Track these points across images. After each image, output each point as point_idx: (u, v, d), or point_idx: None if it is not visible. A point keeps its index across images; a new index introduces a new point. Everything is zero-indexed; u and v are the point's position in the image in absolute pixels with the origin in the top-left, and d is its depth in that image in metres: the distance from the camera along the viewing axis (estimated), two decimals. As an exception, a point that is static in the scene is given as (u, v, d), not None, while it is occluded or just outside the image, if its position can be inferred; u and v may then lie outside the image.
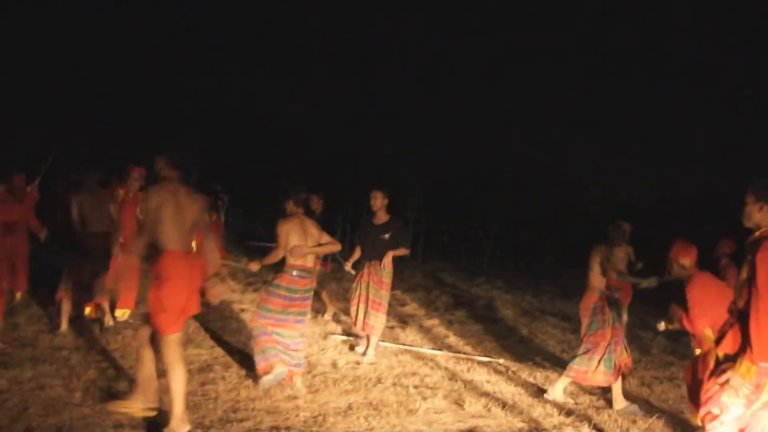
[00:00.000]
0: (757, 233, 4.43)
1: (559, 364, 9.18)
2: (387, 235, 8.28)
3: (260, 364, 6.81)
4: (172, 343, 5.33)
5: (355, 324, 8.54)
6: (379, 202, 8.42)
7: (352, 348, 8.75)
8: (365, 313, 8.35)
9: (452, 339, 10.32)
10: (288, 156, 26.06)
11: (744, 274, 4.43)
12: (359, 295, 8.42)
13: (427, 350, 9.31)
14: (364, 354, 8.37)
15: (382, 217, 8.45)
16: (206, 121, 26.72)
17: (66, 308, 8.04)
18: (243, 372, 7.15)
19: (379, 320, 8.37)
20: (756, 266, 4.29)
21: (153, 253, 5.48)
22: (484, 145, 26.94)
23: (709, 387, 4.52)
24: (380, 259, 8.31)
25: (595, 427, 6.61)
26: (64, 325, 7.99)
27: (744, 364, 4.27)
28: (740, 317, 4.42)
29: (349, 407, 6.44)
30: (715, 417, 4.48)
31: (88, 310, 8.71)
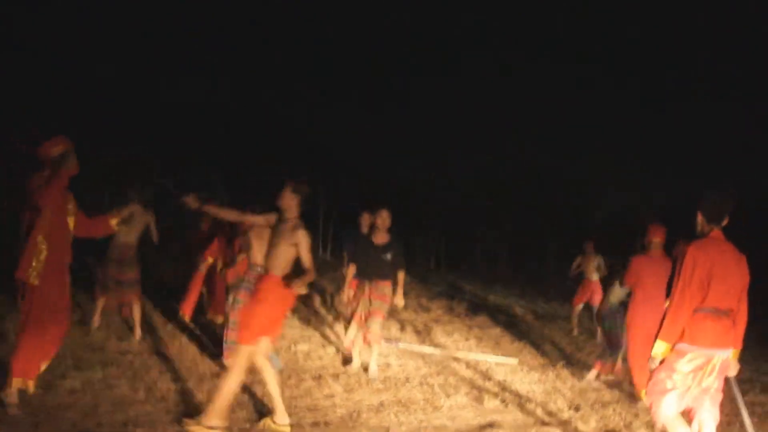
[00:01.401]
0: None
1: (570, 364, 9.23)
2: (388, 255, 7.56)
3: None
4: (243, 352, 5.30)
5: (347, 342, 7.95)
6: (387, 221, 7.71)
7: (345, 362, 8.02)
8: (363, 325, 7.60)
9: (472, 342, 10.29)
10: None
11: None
12: (359, 314, 7.65)
13: (450, 352, 9.28)
14: (365, 369, 7.64)
15: (383, 236, 7.69)
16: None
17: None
18: (285, 373, 7.11)
19: (378, 325, 7.53)
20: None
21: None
22: (499, 159, 26.74)
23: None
24: (381, 277, 7.57)
25: (601, 420, 6.56)
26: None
27: (657, 344, 4.65)
28: None
29: (381, 404, 6.42)
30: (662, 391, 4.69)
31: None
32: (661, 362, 4.69)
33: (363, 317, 7.57)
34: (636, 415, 6.81)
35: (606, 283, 11.46)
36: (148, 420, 5.30)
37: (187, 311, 8.93)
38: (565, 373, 8.56)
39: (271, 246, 5.46)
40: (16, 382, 5.09)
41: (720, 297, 4.59)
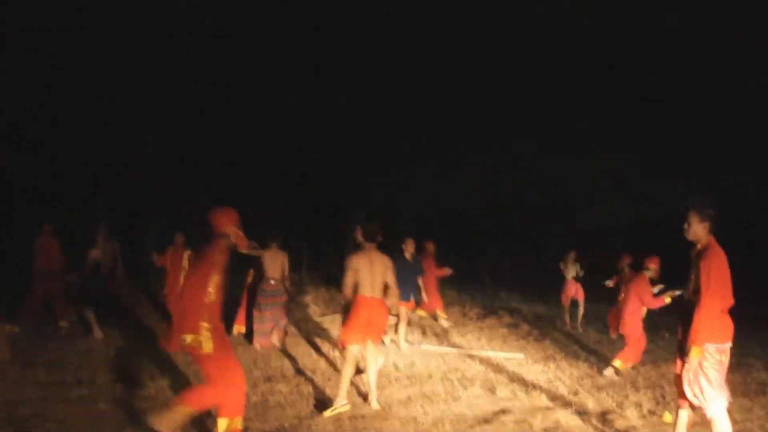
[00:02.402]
0: (699, 246, 4.61)
1: (567, 357, 9.17)
2: None
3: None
4: (347, 351, 6.02)
5: None
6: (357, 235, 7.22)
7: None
8: None
9: (483, 341, 10.25)
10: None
11: (693, 278, 4.58)
12: None
13: (465, 350, 9.27)
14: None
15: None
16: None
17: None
18: (326, 375, 7.19)
19: None
20: (700, 271, 4.46)
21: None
22: (494, 181, 26.12)
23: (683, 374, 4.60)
24: None
25: (597, 402, 6.57)
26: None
27: (693, 350, 4.44)
28: (689, 311, 4.55)
29: (408, 398, 6.42)
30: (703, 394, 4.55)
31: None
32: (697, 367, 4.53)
33: None
34: (626, 397, 6.82)
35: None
36: (213, 420, 5.34)
37: (239, 325, 9.16)
38: (564, 364, 8.57)
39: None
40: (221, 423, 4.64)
41: (729, 297, 4.54)
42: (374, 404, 6.03)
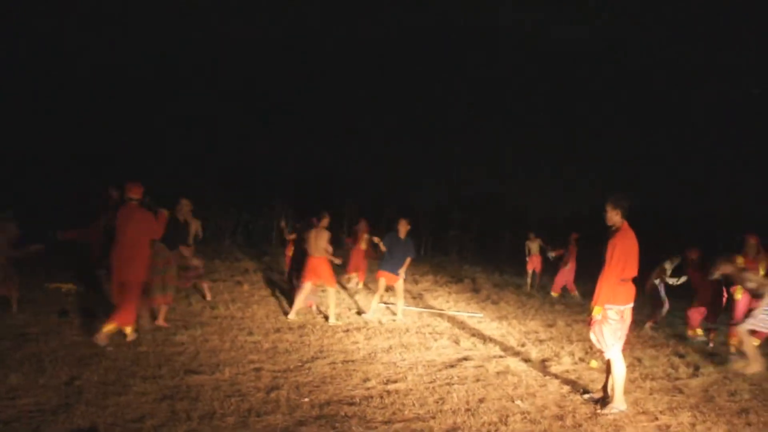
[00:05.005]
0: (614, 228, 4.95)
1: (518, 317, 9.42)
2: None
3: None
4: (305, 288, 7.97)
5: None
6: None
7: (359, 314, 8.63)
8: None
9: (451, 302, 10.47)
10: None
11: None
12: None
13: (436, 310, 9.44)
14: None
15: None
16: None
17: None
18: (324, 329, 7.42)
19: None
20: (607, 246, 4.82)
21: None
22: (462, 181, 26.59)
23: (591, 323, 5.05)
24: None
25: (539, 352, 6.87)
26: None
27: (595, 308, 4.85)
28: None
29: (390, 347, 6.72)
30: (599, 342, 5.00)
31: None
32: (600, 321, 4.87)
33: None
34: (562, 348, 7.21)
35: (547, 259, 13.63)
36: (233, 362, 5.65)
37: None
38: (514, 322, 8.87)
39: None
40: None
41: (631, 269, 4.84)
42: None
